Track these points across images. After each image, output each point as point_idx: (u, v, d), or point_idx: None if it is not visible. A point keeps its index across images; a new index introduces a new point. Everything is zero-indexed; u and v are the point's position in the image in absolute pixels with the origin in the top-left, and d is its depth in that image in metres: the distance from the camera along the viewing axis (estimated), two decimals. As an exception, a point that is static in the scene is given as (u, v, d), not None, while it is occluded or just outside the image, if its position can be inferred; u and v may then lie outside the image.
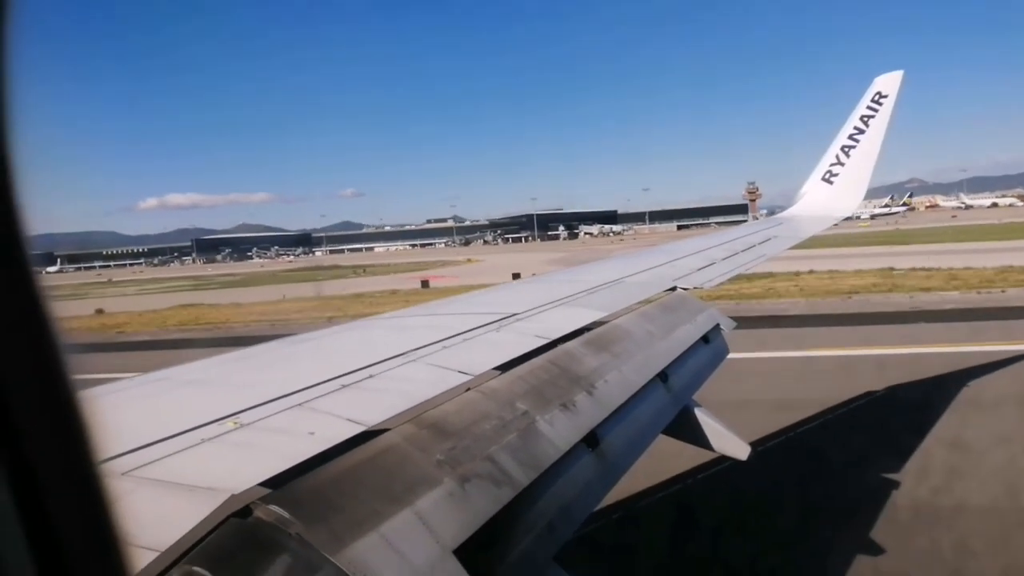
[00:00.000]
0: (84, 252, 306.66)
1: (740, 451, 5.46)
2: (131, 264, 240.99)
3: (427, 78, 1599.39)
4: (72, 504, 0.91)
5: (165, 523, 2.00)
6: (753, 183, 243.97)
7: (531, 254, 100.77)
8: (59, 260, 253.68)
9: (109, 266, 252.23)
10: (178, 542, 1.95)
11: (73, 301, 68.76)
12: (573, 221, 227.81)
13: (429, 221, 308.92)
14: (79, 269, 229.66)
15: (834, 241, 69.57)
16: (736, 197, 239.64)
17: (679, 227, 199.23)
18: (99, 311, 51.09)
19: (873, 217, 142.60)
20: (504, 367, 4.09)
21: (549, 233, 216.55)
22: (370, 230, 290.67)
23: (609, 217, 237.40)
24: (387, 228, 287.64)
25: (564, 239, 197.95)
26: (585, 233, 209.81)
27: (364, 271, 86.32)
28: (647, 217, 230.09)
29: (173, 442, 2.62)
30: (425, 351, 4.18)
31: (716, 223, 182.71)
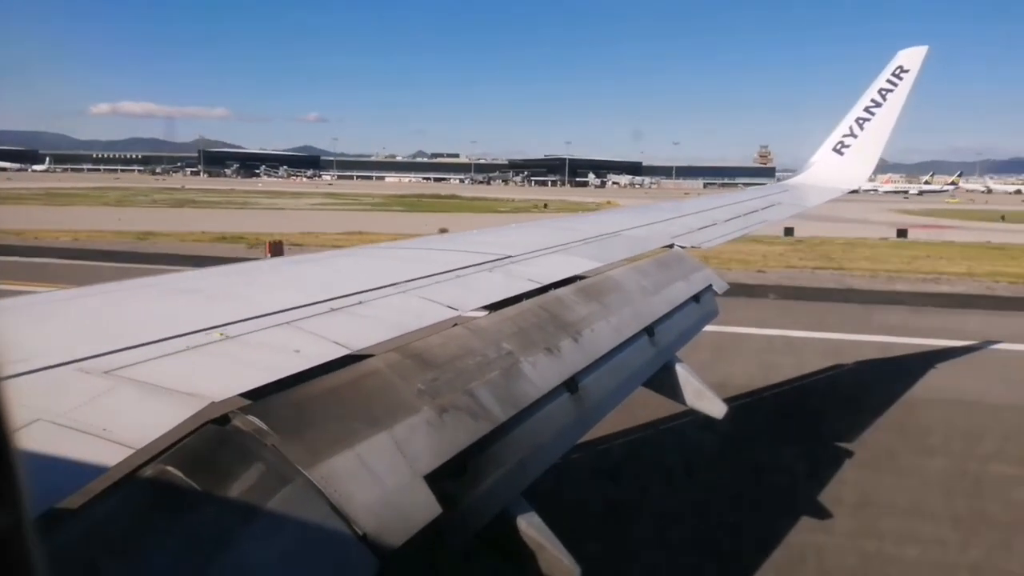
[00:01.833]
0: (73, 153, 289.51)
1: (716, 409, 5.52)
2: (122, 170, 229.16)
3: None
4: None
5: (143, 423, 2.07)
6: (766, 146, 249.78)
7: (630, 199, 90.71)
8: (48, 159, 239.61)
9: (99, 170, 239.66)
10: (154, 442, 2.00)
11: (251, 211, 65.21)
12: (601, 169, 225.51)
13: (436, 155, 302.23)
14: (67, 171, 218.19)
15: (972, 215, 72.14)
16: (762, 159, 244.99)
17: (705, 185, 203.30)
18: (443, 230, 46.01)
19: (921, 193, 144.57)
20: (493, 307, 4.15)
21: (577, 180, 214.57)
22: (378, 158, 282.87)
23: (633, 168, 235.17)
24: (399, 158, 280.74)
25: (594, 187, 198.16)
26: (613, 183, 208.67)
27: (546, 207, 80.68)
28: (674, 172, 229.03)
29: (159, 346, 2.66)
30: (417, 284, 4.22)
31: (743, 184, 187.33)
